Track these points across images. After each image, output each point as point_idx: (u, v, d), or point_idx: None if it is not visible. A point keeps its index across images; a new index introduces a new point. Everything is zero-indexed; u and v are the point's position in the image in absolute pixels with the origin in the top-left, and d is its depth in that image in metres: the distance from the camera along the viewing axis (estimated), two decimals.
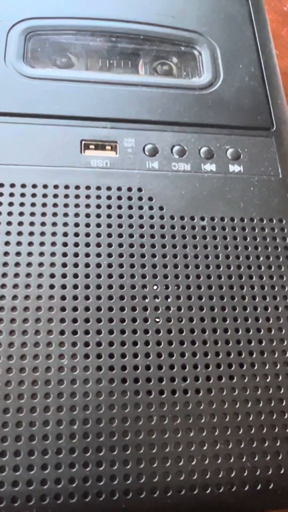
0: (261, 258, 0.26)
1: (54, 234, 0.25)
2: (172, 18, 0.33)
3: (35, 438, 0.21)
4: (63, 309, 0.23)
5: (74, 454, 0.21)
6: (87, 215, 0.26)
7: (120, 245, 0.25)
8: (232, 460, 0.21)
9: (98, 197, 0.26)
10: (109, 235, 0.25)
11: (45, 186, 0.26)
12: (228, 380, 0.23)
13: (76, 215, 0.25)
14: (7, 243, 0.24)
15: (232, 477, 0.21)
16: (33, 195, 0.26)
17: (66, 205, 0.26)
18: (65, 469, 0.20)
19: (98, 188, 0.26)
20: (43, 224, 0.25)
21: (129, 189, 0.27)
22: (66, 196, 0.26)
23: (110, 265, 0.24)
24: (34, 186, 0.26)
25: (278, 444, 0.22)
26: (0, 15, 0.31)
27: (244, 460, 0.21)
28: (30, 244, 0.24)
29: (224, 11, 0.34)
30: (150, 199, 0.27)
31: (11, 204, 0.25)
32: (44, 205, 0.25)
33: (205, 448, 0.21)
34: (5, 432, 0.20)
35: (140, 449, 0.21)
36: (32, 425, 0.21)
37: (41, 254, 0.24)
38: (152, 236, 0.26)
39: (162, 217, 0.26)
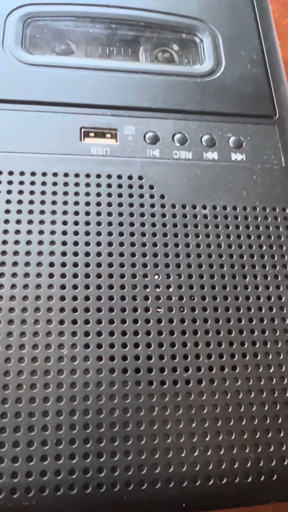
0: (264, 247, 0.25)
1: (53, 222, 0.24)
2: (173, 5, 0.32)
3: (34, 429, 0.20)
4: (62, 298, 0.23)
5: (74, 445, 0.20)
6: (87, 204, 0.25)
7: (121, 234, 0.25)
8: (235, 451, 0.21)
9: (98, 185, 0.26)
10: (110, 224, 0.25)
11: (44, 174, 0.25)
12: (231, 370, 0.22)
13: (76, 203, 0.25)
14: (5, 232, 0.24)
15: (235, 468, 0.21)
16: (32, 183, 0.25)
17: (65, 193, 0.25)
18: (65, 460, 0.20)
19: (98, 176, 0.26)
20: (42, 212, 0.24)
21: (130, 177, 0.26)
22: (66, 184, 0.25)
23: (110, 254, 0.24)
24: (32, 173, 0.25)
25: (281, 435, 0.22)
26: None
27: (247, 451, 0.21)
28: (29, 232, 0.24)
29: None
30: (151, 187, 0.26)
31: (9, 192, 0.25)
32: (43, 193, 0.25)
33: (207, 439, 0.21)
34: (4, 422, 0.20)
35: (141, 440, 0.21)
36: (31, 415, 0.20)
37: (40, 242, 0.24)
38: (153, 225, 0.25)
39: (163, 206, 0.26)
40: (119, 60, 0.31)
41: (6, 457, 0.20)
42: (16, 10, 0.30)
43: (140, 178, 0.26)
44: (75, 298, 0.23)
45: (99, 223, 0.25)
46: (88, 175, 0.26)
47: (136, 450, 0.20)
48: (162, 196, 0.26)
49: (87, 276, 0.23)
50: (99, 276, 0.23)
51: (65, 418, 0.20)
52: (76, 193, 0.25)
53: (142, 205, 0.25)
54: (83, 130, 0.27)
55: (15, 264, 0.23)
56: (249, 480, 0.21)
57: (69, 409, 0.21)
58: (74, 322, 0.22)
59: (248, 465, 0.21)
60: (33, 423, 0.20)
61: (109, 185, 0.26)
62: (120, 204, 0.25)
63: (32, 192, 0.25)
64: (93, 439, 0.20)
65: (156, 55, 0.32)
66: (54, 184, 0.25)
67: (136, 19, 0.32)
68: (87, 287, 0.23)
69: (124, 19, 0.32)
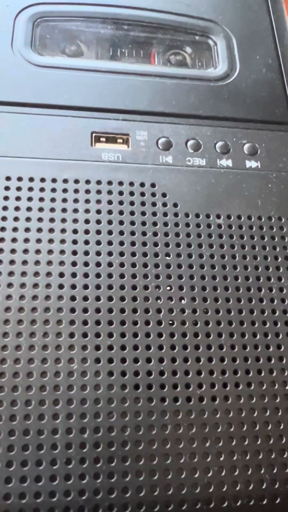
0: (280, 259, 0.25)
1: (63, 231, 0.24)
2: (186, 6, 0.31)
3: (43, 447, 0.19)
4: (72, 310, 0.22)
5: (85, 464, 0.19)
6: (98, 212, 0.24)
7: (132, 244, 0.24)
8: (250, 472, 0.20)
9: (110, 192, 0.25)
10: (121, 233, 0.24)
11: (54, 180, 0.25)
12: (246, 387, 0.22)
13: (87, 211, 0.24)
14: (14, 240, 0.23)
15: (250, 490, 0.20)
16: (42, 190, 0.24)
17: (76, 201, 0.24)
18: (74, 480, 0.19)
19: (110, 183, 0.25)
20: (51, 220, 0.24)
21: (142, 185, 0.25)
22: (76, 191, 0.25)
23: (122, 265, 0.23)
24: (42, 180, 0.25)
25: None
26: None
27: (262, 472, 0.20)
28: (38, 241, 0.23)
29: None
30: (164, 195, 0.25)
31: (18, 198, 0.24)
32: (53, 200, 0.24)
33: (221, 459, 0.20)
34: (12, 440, 0.19)
35: (153, 459, 0.20)
36: (40, 433, 0.20)
37: (50, 252, 0.23)
38: (166, 234, 0.24)
39: (176, 215, 0.25)
40: (131, 63, 0.30)
41: (14, 477, 0.19)
42: (25, 9, 0.29)
43: (153, 185, 0.25)
44: (85, 310, 0.22)
45: (110, 232, 0.24)
46: (99, 182, 0.25)
47: (148, 470, 0.20)
48: (175, 205, 0.25)
49: (97, 287, 0.23)
50: (110, 287, 0.23)
51: (75, 436, 0.20)
52: (87, 201, 0.24)
53: (154, 214, 0.25)
54: (94, 134, 0.26)
55: (23, 274, 0.22)
56: (264, 502, 0.20)
57: (79, 427, 0.20)
58: (85, 335, 0.22)
59: (264, 487, 0.20)
60: (42, 441, 0.19)
61: (120, 193, 0.25)
62: (132, 213, 0.25)
63: (41, 199, 0.24)
64: (104, 459, 0.20)
65: (169, 58, 0.31)
66: (64, 191, 0.25)
67: (149, 20, 0.31)
68: (97, 298, 0.22)
69: (136, 20, 0.31)
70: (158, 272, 0.23)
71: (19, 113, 0.26)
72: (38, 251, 0.23)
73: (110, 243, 0.24)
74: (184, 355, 0.22)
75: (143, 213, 0.25)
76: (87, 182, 0.25)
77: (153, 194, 0.25)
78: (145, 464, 0.20)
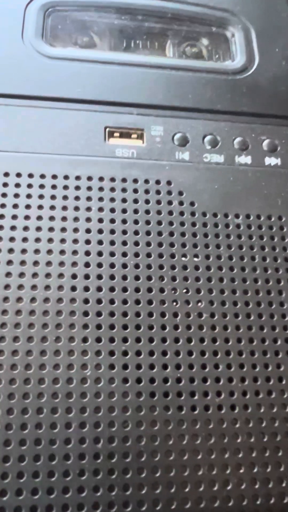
0: None
1: (76, 230, 0.23)
2: None
3: (55, 458, 0.19)
4: (86, 313, 0.21)
5: (98, 476, 0.19)
6: (112, 210, 0.23)
7: (148, 244, 0.23)
8: (271, 485, 0.19)
9: (124, 190, 0.24)
10: (136, 233, 0.23)
11: (66, 177, 0.24)
12: (266, 395, 0.21)
13: (100, 209, 0.23)
14: (24, 239, 0.22)
15: (271, 504, 0.19)
16: (53, 187, 0.23)
17: (88, 199, 0.23)
18: (88, 492, 0.18)
19: (124, 180, 0.24)
20: (64, 219, 0.23)
21: (158, 182, 0.24)
22: (89, 188, 0.24)
23: (137, 266, 0.22)
24: (54, 176, 0.24)
25: None
26: None
27: (283, 485, 0.19)
28: (50, 240, 0.22)
29: None
30: (180, 193, 0.24)
31: (29, 196, 0.23)
32: (65, 197, 0.23)
33: (241, 471, 0.19)
34: (23, 450, 0.18)
35: (170, 471, 0.19)
36: (52, 443, 0.19)
37: (62, 252, 0.22)
38: (183, 234, 0.23)
39: (193, 214, 0.24)
40: (145, 55, 0.29)
41: (25, 489, 0.18)
42: None
43: (169, 183, 0.24)
44: (99, 314, 0.21)
45: (124, 232, 0.23)
46: (113, 179, 0.24)
47: (165, 483, 0.19)
48: (192, 203, 0.24)
49: (111, 289, 0.22)
50: (124, 290, 0.22)
51: (88, 446, 0.19)
52: (100, 199, 0.23)
53: (170, 213, 0.24)
54: (107, 129, 0.25)
55: (34, 275, 0.21)
56: None
57: (93, 436, 0.19)
58: (98, 340, 0.21)
59: (285, 501, 0.19)
60: (54, 451, 0.19)
61: (135, 191, 0.24)
62: (147, 212, 0.24)
63: (53, 197, 0.23)
64: (119, 470, 0.19)
65: (184, 50, 0.30)
66: (77, 188, 0.24)
67: (164, 11, 0.30)
68: (111, 301, 0.21)
69: (150, 10, 0.30)
70: (174, 274, 0.22)
71: (30, 107, 0.25)
72: (49, 251, 0.22)
73: (124, 243, 0.23)
74: (201, 362, 0.21)
75: (159, 212, 0.24)
76: (101, 179, 0.24)
77: (169, 192, 0.24)
78: (161, 476, 0.19)
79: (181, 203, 0.24)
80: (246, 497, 0.19)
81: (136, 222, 0.23)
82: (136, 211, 0.23)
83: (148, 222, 0.23)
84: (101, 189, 0.24)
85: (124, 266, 0.22)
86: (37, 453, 0.19)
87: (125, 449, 0.19)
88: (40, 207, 0.23)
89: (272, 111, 0.27)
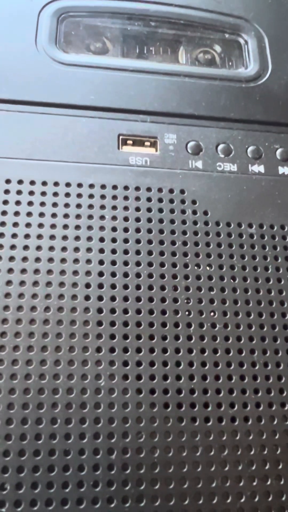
0: None
1: (89, 239, 0.23)
2: (216, 2, 0.30)
3: (70, 469, 0.19)
4: (99, 323, 0.21)
5: (112, 487, 0.19)
6: (126, 219, 0.23)
7: (162, 253, 0.23)
8: (284, 498, 0.19)
9: (137, 199, 0.24)
10: (149, 242, 0.23)
11: (79, 185, 0.24)
12: (280, 407, 0.21)
13: (114, 218, 0.23)
14: (38, 248, 0.22)
15: None
16: (67, 195, 0.23)
17: (102, 207, 0.23)
18: (102, 503, 0.18)
19: (137, 188, 0.24)
20: (77, 227, 0.23)
21: (171, 191, 0.24)
22: (103, 196, 0.24)
23: (150, 275, 0.22)
24: (67, 184, 0.24)
25: None
26: None
27: (283, 498, 0.19)
28: (64, 249, 0.22)
29: None
30: (194, 202, 0.24)
31: (42, 204, 0.23)
32: (78, 206, 0.23)
33: (254, 483, 0.19)
34: (37, 461, 0.19)
35: (184, 483, 0.19)
36: (67, 453, 0.19)
37: (76, 261, 0.22)
38: (196, 244, 0.23)
39: (206, 223, 0.24)
40: (158, 61, 0.29)
41: (40, 500, 0.18)
42: (50, 4, 0.28)
43: (182, 192, 0.24)
44: (113, 324, 0.21)
45: (138, 241, 0.23)
46: (126, 188, 0.24)
47: (178, 494, 0.19)
48: (206, 213, 0.24)
49: (125, 299, 0.22)
50: (138, 299, 0.22)
51: (102, 457, 0.19)
52: (114, 207, 0.23)
53: (184, 222, 0.24)
54: (121, 137, 0.25)
55: (48, 284, 0.21)
56: None
57: (107, 447, 0.19)
58: (112, 350, 0.21)
59: None
60: (69, 462, 0.19)
61: (149, 199, 0.24)
62: (161, 221, 0.23)
63: (66, 205, 0.23)
64: (133, 481, 0.19)
65: (197, 56, 0.30)
66: (90, 196, 0.24)
67: (177, 17, 0.30)
68: (125, 311, 0.21)
69: (164, 17, 0.29)
70: (188, 284, 0.22)
71: (43, 114, 0.25)
72: (63, 260, 0.22)
73: (138, 252, 0.23)
74: (215, 373, 0.21)
75: (172, 221, 0.24)
76: (114, 187, 0.24)
77: (183, 201, 0.24)
78: (175, 487, 0.19)
79: (194, 212, 0.24)
80: (260, 510, 0.19)
81: (149, 231, 0.23)
82: (149, 220, 0.23)
83: (161, 231, 0.23)
84: (114, 197, 0.24)
85: (138, 275, 0.22)
86: (51, 463, 0.19)
87: (139, 460, 0.19)
88: (54, 215, 0.23)
89: (285, 120, 0.27)
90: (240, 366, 0.21)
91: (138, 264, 0.22)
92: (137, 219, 0.23)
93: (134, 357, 0.21)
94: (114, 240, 0.23)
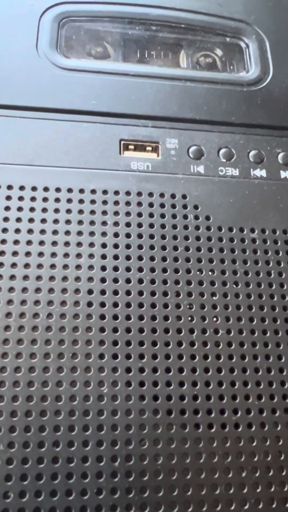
0: None
1: (91, 245, 0.23)
2: (217, 6, 0.30)
3: (73, 477, 0.19)
4: (102, 329, 0.21)
5: (116, 495, 0.19)
6: (128, 224, 0.23)
7: (164, 259, 0.23)
8: None
9: (139, 204, 0.24)
10: (152, 247, 0.23)
11: (81, 191, 0.24)
12: (283, 413, 0.21)
13: (116, 224, 0.23)
14: (40, 254, 0.22)
15: None
16: (69, 201, 0.23)
17: (104, 213, 0.23)
18: (106, 511, 0.18)
19: (139, 194, 0.24)
20: (79, 233, 0.23)
21: (173, 196, 0.24)
22: (105, 202, 0.24)
23: (153, 281, 0.22)
24: (69, 190, 0.24)
25: None
26: None
27: None
28: (66, 255, 0.22)
29: None
30: (196, 207, 0.24)
31: (44, 210, 0.23)
32: (80, 212, 0.23)
33: (258, 490, 0.19)
34: (40, 468, 0.18)
35: (187, 490, 0.19)
36: (70, 461, 0.19)
37: (78, 267, 0.22)
38: (198, 249, 0.23)
39: (208, 228, 0.24)
40: (159, 66, 0.29)
41: (43, 508, 0.18)
42: (50, 8, 0.28)
43: (184, 197, 0.24)
44: (115, 330, 0.21)
45: (140, 247, 0.23)
46: (128, 193, 0.24)
47: (182, 502, 0.19)
48: (208, 218, 0.24)
49: (128, 305, 0.22)
50: (140, 305, 0.22)
51: (106, 464, 0.19)
52: (116, 213, 0.23)
53: (186, 227, 0.24)
54: (122, 142, 0.25)
55: (51, 291, 0.21)
56: None
57: (111, 455, 0.19)
58: (115, 357, 0.21)
59: None
60: (72, 469, 0.19)
61: (150, 204, 0.24)
62: (163, 226, 0.23)
63: (68, 211, 0.23)
64: (136, 489, 0.19)
65: (198, 60, 0.29)
66: (92, 202, 0.23)
67: (177, 21, 0.30)
68: (128, 317, 0.21)
69: (164, 21, 0.29)
70: (190, 290, 0.22)
71: (44, 119, 0.25)
72: (65, 266, 0.22)
73: (140, 258, 0.23)
74: (218, 379, 0.21)
75: (174, 227, 0.24)
76: (116, 193, 0.24)
77: (185, 206, 0.24)
78: (178, 495, 0.19)
79: (196, 217, 0.24)
80: None
81: (151, 236, 0.23)
82: (151, 226, 0.23)
83: (163, 237, 0.23)
84: (116, 203, 0.24)
85: (140, 281, 0.22)
86: (55, 471, 0.18)
87: (142, 467, 0.19)
88: (56, 221, 0.23)
89: (287, 123, 0.27)
90: (243, 372, 0.21)
91: (140, 269, 0.22)
92: (139, 225, 0.23)
93: (137, 364, 0.20)
94: (116, 246, 0.23)
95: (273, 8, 0.31)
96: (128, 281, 0.22)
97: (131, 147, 0.25)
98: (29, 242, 0.22)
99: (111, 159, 0.25)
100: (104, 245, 0.23)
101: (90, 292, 0.22)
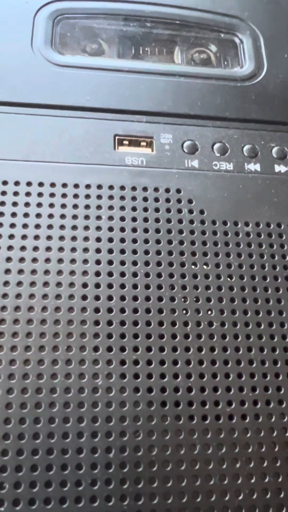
0: None
1: (86, 239, 0.23)
2: (211, 2, 0.30)
3: (68, 467, 0.19)
4: (96, 322, 0.21)
5: (110, 485, 0.19)
6: (122, 219, 0.23)
7: (158, 253, 0.23)
8: (282, 495, 0.19)
9: (134, 198, 0.24)
10: (146, 241, 0.23)
11: (76, 186, 0.24)
12: (277, 405, 0.21)
13: (110, 218, 0.23)
14: (35, 248, 0.22)
15: None
16: (64, 196, 0.23)
17: (99, 207, 0.23)
18: (100, 502, 0.18)
19: (134, 188, 0.24)
20: (74, 227, 0.23)
21: (167, 190, 0.24)
22: (99, 197, 0.24)
23: (147, 275, 0.22)
24: (64, 185, 0.24)
25: None
26: None
27: None
28: (60, 249, 0.22)
29: None
30: (190, 201, 0.24)
31: (39, 205, 0.23)
32: (75, 206, 0.23)
33: (252, 481, 0.19)
34: (35, 460, 0.19)
35: (182, 481, 0.19)
36: (65, 452, 0.19)
37: (72, 261, 0.22)
38: (193, 242, 0.23)
39: (203, 222, 0.24)
40: (154, 62, 0.29)
41: (38, 499, 0.18)
42: (45, 6, 0.28)
43: (178, 191, 0.24)
44: (110, 323, 0.21)
45: (134, 241, 0.23)
46: (123, 188, 0.24)
47: (176, 492, 0.19)
48: (202, 212, 0.24)
49: (122, 298, 0.22)
50: (135, 298, 0.22)
51: (100, 455, 0.19)
52: (110, 207, 0.24)
53: (180, 221, 0.24)
54: (117, 138, 0.25)
55: (45, 284, 0.21)
56: None
57: (105, 446, 0.19)
58: (109, 349, 0.21)
59: None
60: (67, 461, 0.19)
61: (145, 199, 0.24)
62: (157, 220, 0.24)
63: (63, 206, 0.23)
64: (131, 480, 0.19)
65: (192, 56, 0.30)
66: (87, 197, 0.24)
67: (172, 17, 0.30)
68: (122, 310, 0.21)
69: (159, 17, 0.30)
70: (184, 283, 0.22)
71: (39, 115, 0.25)
72: (60, 260, 0.22)
73: (134, 252, 0.23)
74: (212, 371, 0.21)
75: (169, 221, 0.24)
76: (111, 187, 0.24)
77: (179, 201, 0.24)
78: (173, 486, 0.19)
79: (190, 212, 0.24)
80: (258, 507, 0.19)
81: (146, 230, 0.23)
82: (146, 220, 0.23)
83: (158, 231, 0.23)
84: (111, 197, 0.24)
85: (135, 275, 0.22)
86: (49, 462, 0.19)
87: (137, 459, 0.19)
88: (51, 215, 0.23)
89: (281, 118, 0.27)
90: (237, 364, 0.21)
91: (134, 263, 0.22)
92: (134, 219, 0.23)
93: (132, 356, 0.21)
94: (110, 240, 0.23)
95: (267, 4, 0.31)
96: (122, 274, 0.22)
97: (126, 142, 0.26)
98: (24, 237, 0.22)
99: (106, 154, 0.25)
100: (98, 239, 0.23)
101: (84, 285, 0.22)
